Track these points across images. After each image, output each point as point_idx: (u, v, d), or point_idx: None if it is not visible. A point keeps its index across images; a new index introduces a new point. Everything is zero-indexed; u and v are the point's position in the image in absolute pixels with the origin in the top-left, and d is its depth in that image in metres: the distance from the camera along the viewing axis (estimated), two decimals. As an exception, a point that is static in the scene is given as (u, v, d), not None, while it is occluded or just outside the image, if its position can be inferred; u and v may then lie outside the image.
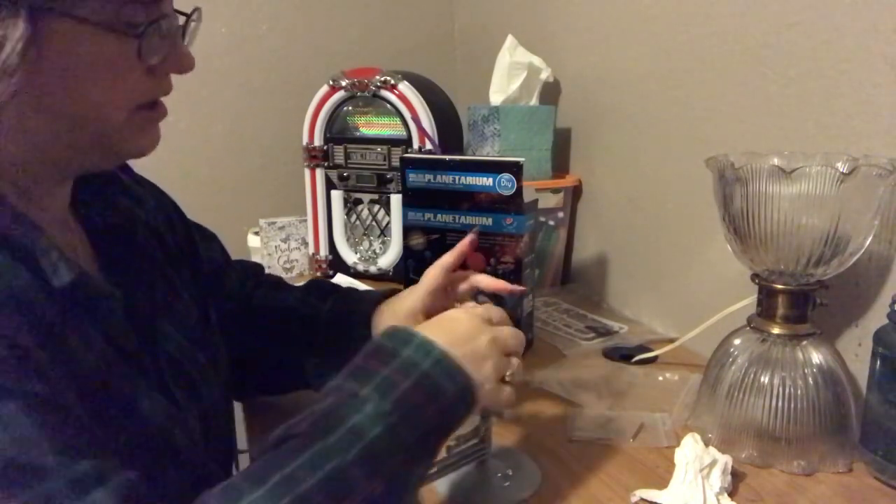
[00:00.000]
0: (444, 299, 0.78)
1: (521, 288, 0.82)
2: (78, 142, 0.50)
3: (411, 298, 0.77)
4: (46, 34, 0.45)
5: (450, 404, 0.54)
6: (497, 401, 0.60)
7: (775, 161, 0.70)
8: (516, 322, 0.99)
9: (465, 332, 0.59)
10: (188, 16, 0.54)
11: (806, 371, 0.72)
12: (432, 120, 1.29)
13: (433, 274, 0.78)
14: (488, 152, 1.26)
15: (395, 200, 1.33)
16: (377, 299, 0.80)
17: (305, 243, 1.44)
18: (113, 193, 0.62)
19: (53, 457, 0.41)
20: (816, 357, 0.73)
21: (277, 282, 0.89)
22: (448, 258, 0.79)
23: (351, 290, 0.86)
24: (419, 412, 0.52)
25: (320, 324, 0.79)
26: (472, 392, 0.56)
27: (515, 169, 0.94)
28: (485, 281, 0.80)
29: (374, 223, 1.38)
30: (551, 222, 1.28)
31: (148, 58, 0.50)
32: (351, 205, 1.39)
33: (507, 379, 0.61)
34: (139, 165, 0.62)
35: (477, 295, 1.00)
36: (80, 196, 0.59)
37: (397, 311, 0.76)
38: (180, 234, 0.72)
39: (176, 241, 0.70)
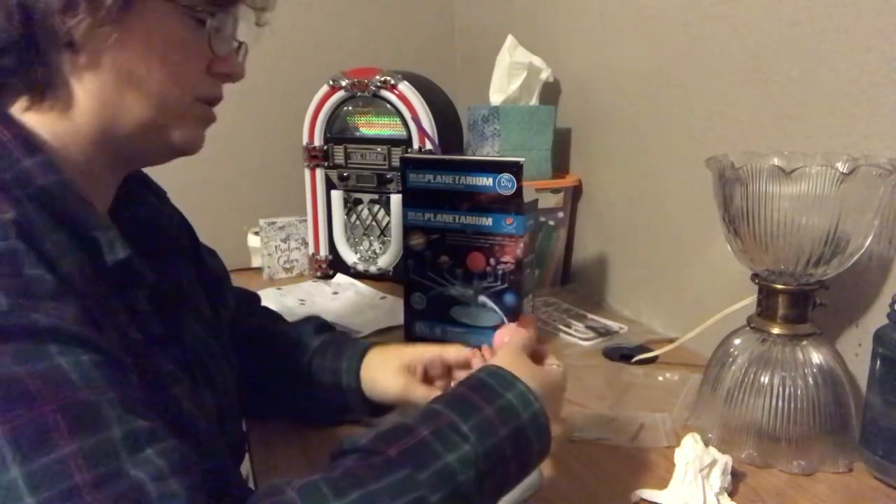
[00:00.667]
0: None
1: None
2: (149, 124, 0.55)
3: (408, 357, 0.76)
4: (137, 9, 0.51)
5: (530, 462, 0.56)
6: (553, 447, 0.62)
7: (775, 161, 0.70)
8: (514, 323, 0.99)
9: (557, 390, 0.62)
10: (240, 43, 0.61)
11: (806, 371, 0.72)
12: (432, 120, 1.29)
13: (433, 354, 0.77)
14: (488, 152, 1.26)
15: (395, 200, 1.33)
16: (363, 350, 0.80)
17: (305, 243, 1.44)
18: (143, 192, 0.67)
19: (115, 410, 0.42)
20: (816, 357, 0.73)
21: (276, 316, 0.90)
22: (452, 356, 0.77)
23: (343, 335, 0.86)
24: (505, 465, 0.53)
25: (306, 361, 0.80)
26: (548, 453, 0.57)
27: (515, 169, 0.94)
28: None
29: (374, 223, 1.38)
30: (551, 222, 1.28)
31: (216, 48, 0.56)
32: (351, 205, 1.39)
33: None
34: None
35: (478, 296, 1.00)
36: (118, 194, 0.62)
37: (389, 364, 0.76)
38: (190, 241, 0.74)
39: (187, 244, 0.73)
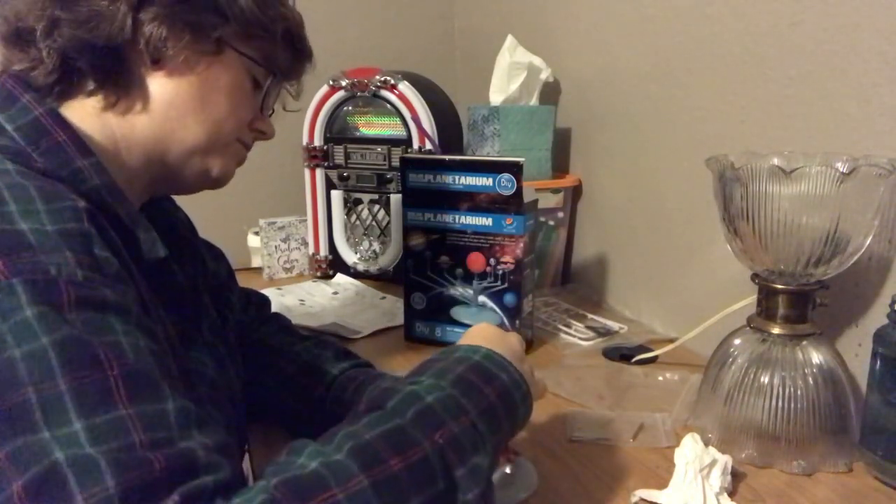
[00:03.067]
0: None
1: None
2: (198, 148, 0.62)
3: None
4: (220, 58, 0.61)
5: (506, 389, 0.57)
6: (538, 393, 0.64)
7: (775, 161, 0.70)
8: (514, 323, 0.99)
9: (497, 335, 0.63)
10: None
11: (806, 371, 0.72)
12: (432, 120, 1.29)
13: None
14: (488, 152, 1.26)
15: (395, 200, 1.33)
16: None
17: (305, 243, 1.44)
18: (160, 199, 0.71)
19: (168, 388, 0.45)
20: (816, 357, 0.73)
21: (290, 327, 0.88)
22: None
23: (365, 369, 0.82)
24: (477, 389, 0.55)
25: (322, 390, 0.77)
26: (524, 383, 0.59)
27: (515, 169, 0.94)
28: None
29: (374, 223, 1.38)
30: (551, 222, 1.28)
31: (265, 105, 0.68)
32: (351, 205, 1.39)
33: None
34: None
35: (478, 296, 1.00)
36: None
37: None
38: (193, 244, 0.76)
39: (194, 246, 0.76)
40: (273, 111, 0.72)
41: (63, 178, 0.52)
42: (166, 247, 0.60)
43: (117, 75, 0.57)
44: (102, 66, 0.56)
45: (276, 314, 0.90)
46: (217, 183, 0.67)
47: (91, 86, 0.57)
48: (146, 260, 0.56)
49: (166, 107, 0.59)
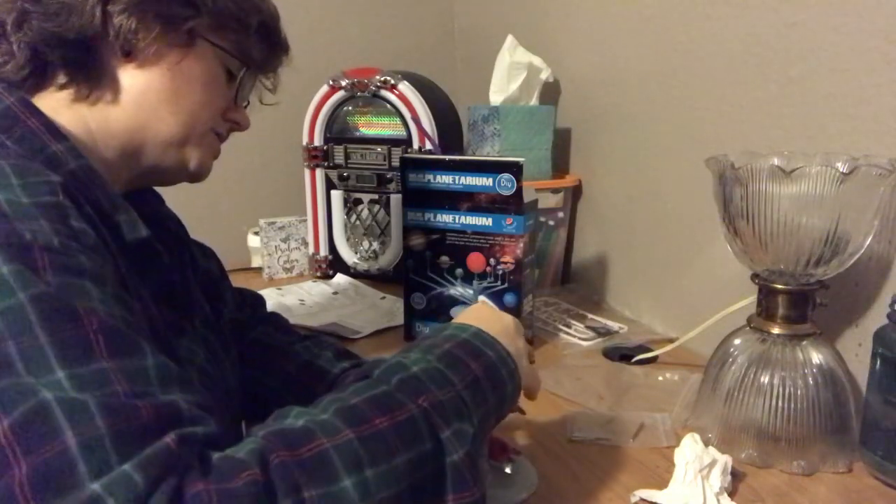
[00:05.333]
0: None
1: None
2: (173, 140, 0.62)
3: None
4: (193, 49, 0.60)
5: (492, 364, 0.57)
6: (532, 379, 0.64)
7: (775, 161, 0.70)
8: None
9: (491, 315, 0.64)
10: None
11: (806, 371, 0.72)
12: (432, 120, 1.29)
13: None
14: (488, 152, 1.26)
15: (395, 200, 1.33)
16: None
17: (305, 243, 1.44)
18: (145, 193, 0.70)
19: (147, 347, 0.45)
20: (816, 357, 0.73)
21: (287, 326, 0.87)
22: None
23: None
24: (463, 364, 0.55)
25: (322, 389, 0.75)
26: (512, 360, 0.59)
27: (515, 169, 0.94)
28: None
29: (374, 223, 1.38)
30: (551, 222, 1.28)
31: (239, 96, 0.67)
32: (351, 205, 1.39)
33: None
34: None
35: (478, 296, 1.00)
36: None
37: None
38: (184, 242, 0.75)
39: (182, 244, 0.74)
40: (248, 103, 0.71)
41: (41, 162, 0.51)
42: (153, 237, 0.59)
43: (89, 68, 0.57)
44: (73, 59, 0.56)
45: (274, 313, 0.90)
46: (195, 176, 0.67)
47: (63, 79, 0.57)
48: (129, 243, 0.55)
49: (139, 99, 0.59)
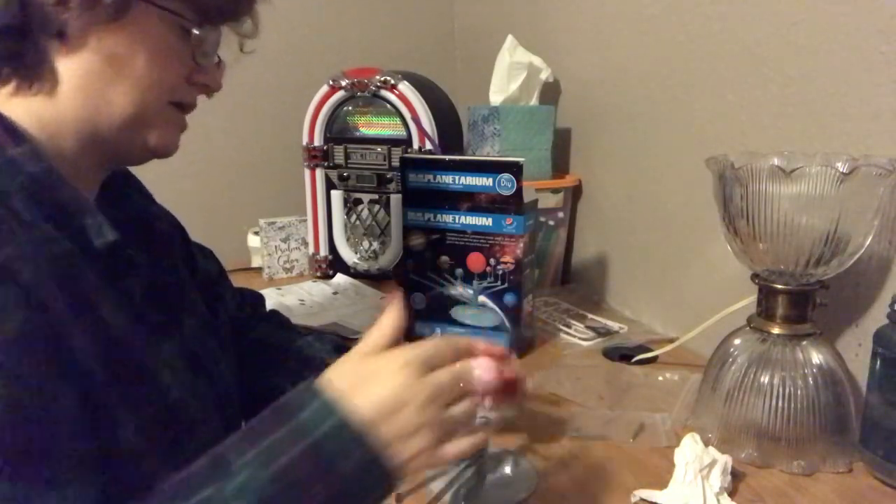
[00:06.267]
0: None
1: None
2: (129, 121, 0.56)
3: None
4: (130, 18, 0.53)
5: (344, 482, 0.45)
6: (442, 461, 0.51)
7: (775, 161, 0.70)
8: (515, 323, 0.99)
9: (390, 395, 0.47)
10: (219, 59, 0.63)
11: (806, 371, 0.72)
12: (432, 120, 1.29)
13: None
14: (488, 152, 1.26)
15: (395, 200, 1.33)
16: None
17: (305, 243, 1.44)
18: (131, 194, 0.68)
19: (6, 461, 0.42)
20: (816, 357, 0.73)
21: (287, 324, 0.87)
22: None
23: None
24: (302, 489, 0.44)
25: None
26: (383, 469, 0.46)
27: (515, 169, 0.94)
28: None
29: (374, 223, 1.38)
30: (551, 222, 1.28)
31: (199, 58, 0.59)
32: (351, 205, 1.39)
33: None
34: (141, 167, 0.64)
35: (478, 296, 1.00)
36: (105, 194, 0.63)
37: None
38: (182, 242, 0.75)
39: (179, 245, 0.73)
40: (219, 60, 0.63)
41: None
42: (131, 240, 0.58)
43: (23, 58, 0.53)
44: (6, 51, 0.52)
45: (274, 311, 0.90)
46: (160, 153, 0.60)
47: (4, 73, 0.53)
48: (96, 247, 0.52)
49: (83, 83, 0.54)
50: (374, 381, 0.48)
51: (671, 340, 0.98)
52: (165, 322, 0.60)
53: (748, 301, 0.80)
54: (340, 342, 0.82)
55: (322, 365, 0.75)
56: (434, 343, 0.52)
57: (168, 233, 0.70)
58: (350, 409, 0.46)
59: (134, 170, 0.69)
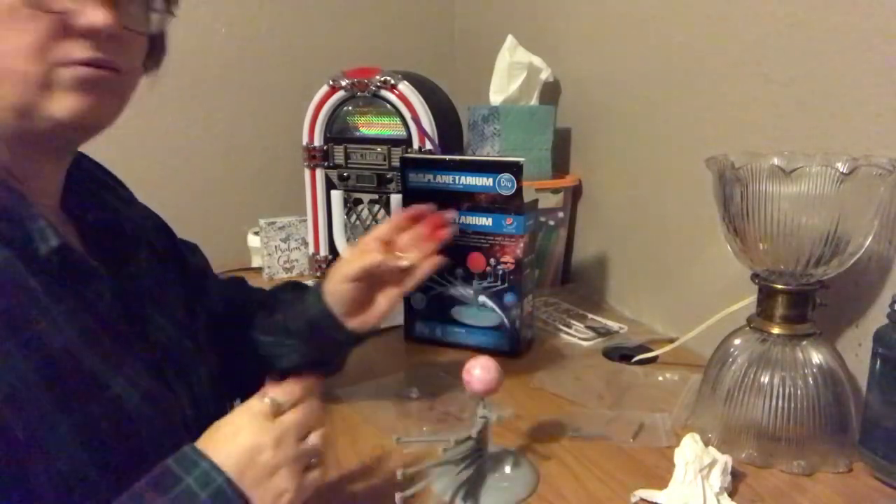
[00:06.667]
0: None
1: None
2: (17, 107, 0.49)
3: (347, 268, 0.76)
4: None
5: None
6: (308, 492, 0.53)
7: (775, 161, 0.70)
8: (514, 323, 0.99)
9: (249, 446, 0.50)
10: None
11: (806, 371, 0.72)
12: (432, 120, 1.29)
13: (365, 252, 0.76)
14: (488, 152, 1.26)
15: (395, 200, 1.33)
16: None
17: (305, 243, 1.44)
18: (104, 195, 0.65)
19: None
20: (816, 357, 0.73)
21: (258, 290, 0.88)
22: (382, 232, 0.78)
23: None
24: None
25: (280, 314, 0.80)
26: None
27: (515, 169, 0.94)
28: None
29: (374, 223, 1.38)
30: (551, 222, 1.28)
31: (47, 4, 0.48)
32: (351, 205, 1.39)
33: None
34: (140, 167, 0.63)
35: (478, 296, 0.99)
36: (72, 196, 0.61)
37: (334, 277, 0.76)
38: (167, 241, 0.74)
39: (163, 244, 0.73)
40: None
41: None
42: (96, 246, 0.57)
43: None
44: None
45: (258, 291, 0.88)
46: (76, 122, 0.52)
47: None
48: (43, 256, 0.50)
49: None
50: (235, 438, 0.51)
51: (671, 340, 0.98)
52: (130, 331, 0.58)
53: (748, 301, 0.80)
54: (299, 283, 0.86)
55: (279, 301, 0.79)
56: (280, 389, 0.55)
57: (140, 236, 0.67)
58: (226, 473, 0.48)
59: (134, 170, 0.69)
